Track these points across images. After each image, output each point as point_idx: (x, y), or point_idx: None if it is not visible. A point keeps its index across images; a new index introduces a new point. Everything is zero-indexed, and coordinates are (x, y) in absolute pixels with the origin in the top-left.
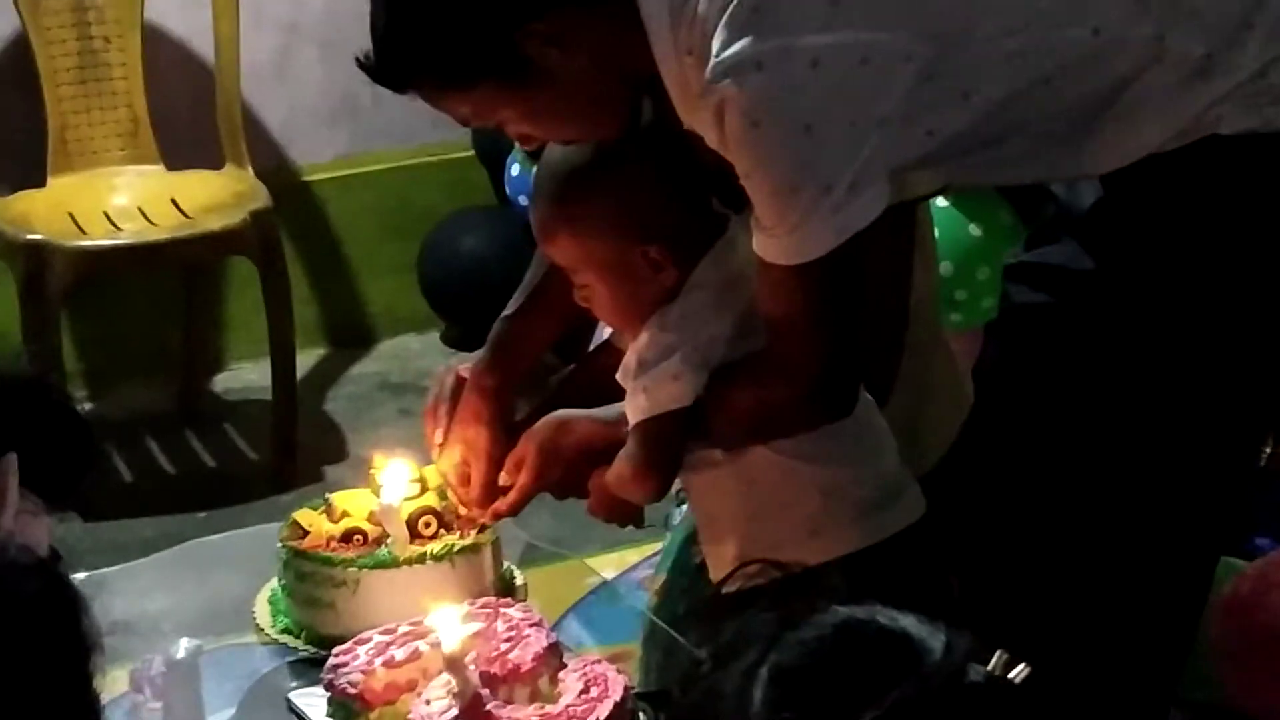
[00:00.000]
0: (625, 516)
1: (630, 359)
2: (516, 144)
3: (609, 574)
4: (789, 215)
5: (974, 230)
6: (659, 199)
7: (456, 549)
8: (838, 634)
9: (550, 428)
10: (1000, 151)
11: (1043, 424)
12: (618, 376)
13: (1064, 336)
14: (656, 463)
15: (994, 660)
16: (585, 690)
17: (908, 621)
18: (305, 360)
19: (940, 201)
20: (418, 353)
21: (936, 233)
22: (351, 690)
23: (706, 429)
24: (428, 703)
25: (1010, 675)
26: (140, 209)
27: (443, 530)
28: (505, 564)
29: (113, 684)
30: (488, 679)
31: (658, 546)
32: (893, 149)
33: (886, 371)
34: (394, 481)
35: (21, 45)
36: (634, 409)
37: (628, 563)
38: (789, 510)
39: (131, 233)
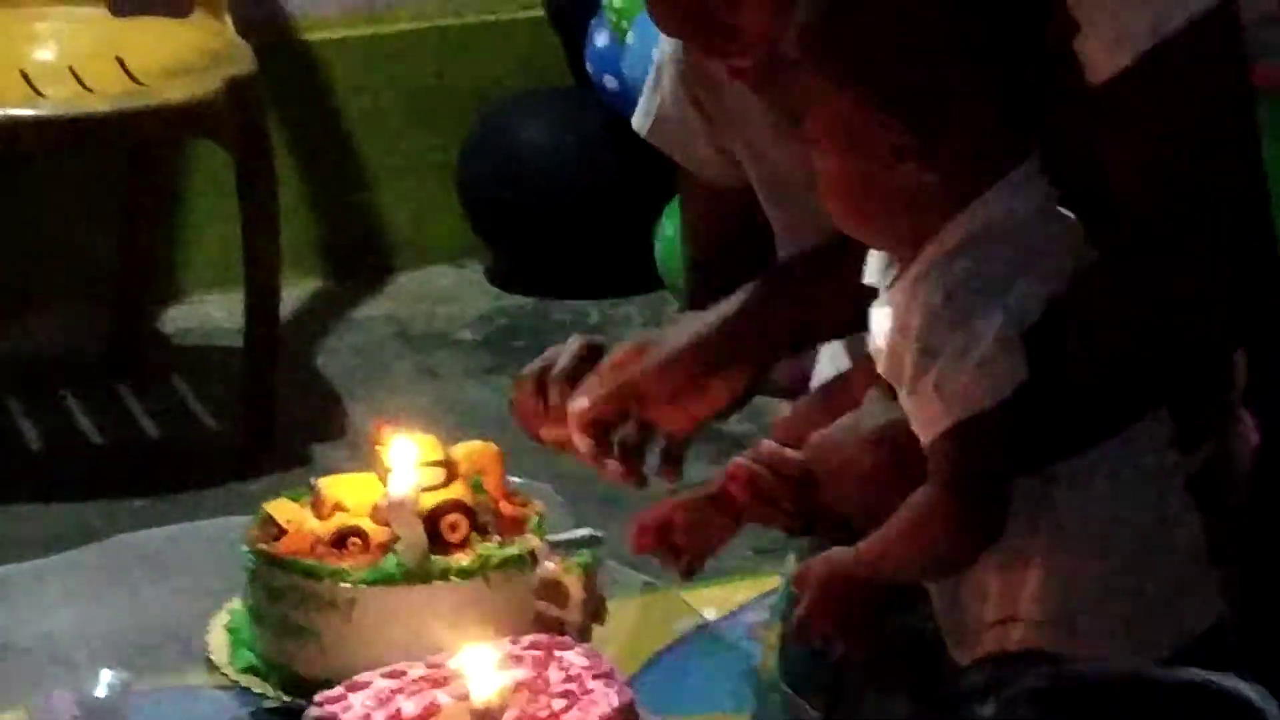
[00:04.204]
0: (854, 627)
1: (898, 344)
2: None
3: (710, 614)
4: None
5: None
6: (948, 59)
7: (495, 562)
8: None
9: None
10: None
11: None
12: (881, 370)
13: None
14: (971, 498)
15: None
16: None
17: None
18: (293, 294)
19: None
20: (450, 292)
21: None
22: None
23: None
24: None
25: None
26: (71, 68)
27: (475, 534)
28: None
29: None
30: None
31: (776, 581)
32: None
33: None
34: (408, 464)
35: None
36: (925, 420)
37: (735, 601)
38: (1091, 589)
39: (58, 100)
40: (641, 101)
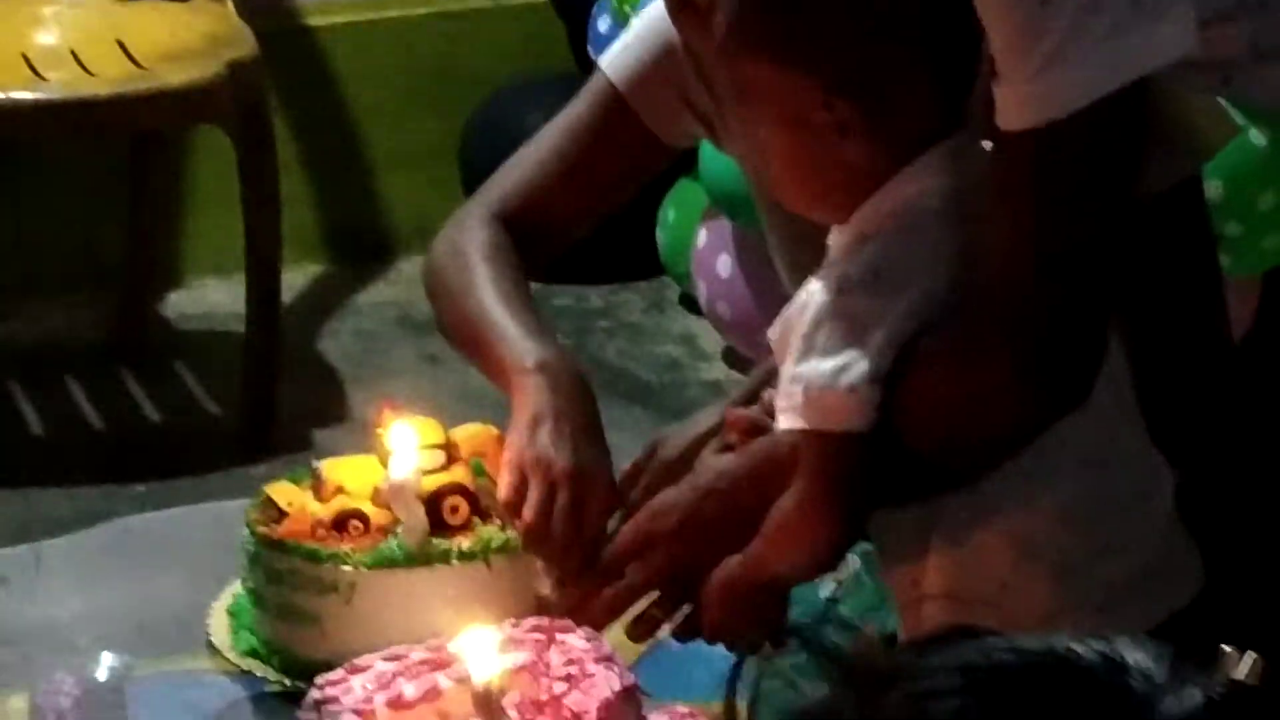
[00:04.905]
0: (749, 624)
1: (793, 315)
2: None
3: None
4: (1036, 45)
5: (1256, 138)
6: (885, 36)
7: (496, 545)
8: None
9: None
10: None
11: None
12: (770, 336)
13: None
14: (835, 494)
15: (1225, 661)
16: None
17: (1083, 646)
18: (294, 279)
19: None
20: None
21: None
22: None
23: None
24: None
25: (1244, 676)
26: (73, 52)
27: (476, 518)
28: None
29: (7, 717)
30: None
31: None
32: None
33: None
34: (409, 447)
35: None
36: (786, 410)
37: None
38: (1013, 595)
39: (59, 84)
40: (620, 47)
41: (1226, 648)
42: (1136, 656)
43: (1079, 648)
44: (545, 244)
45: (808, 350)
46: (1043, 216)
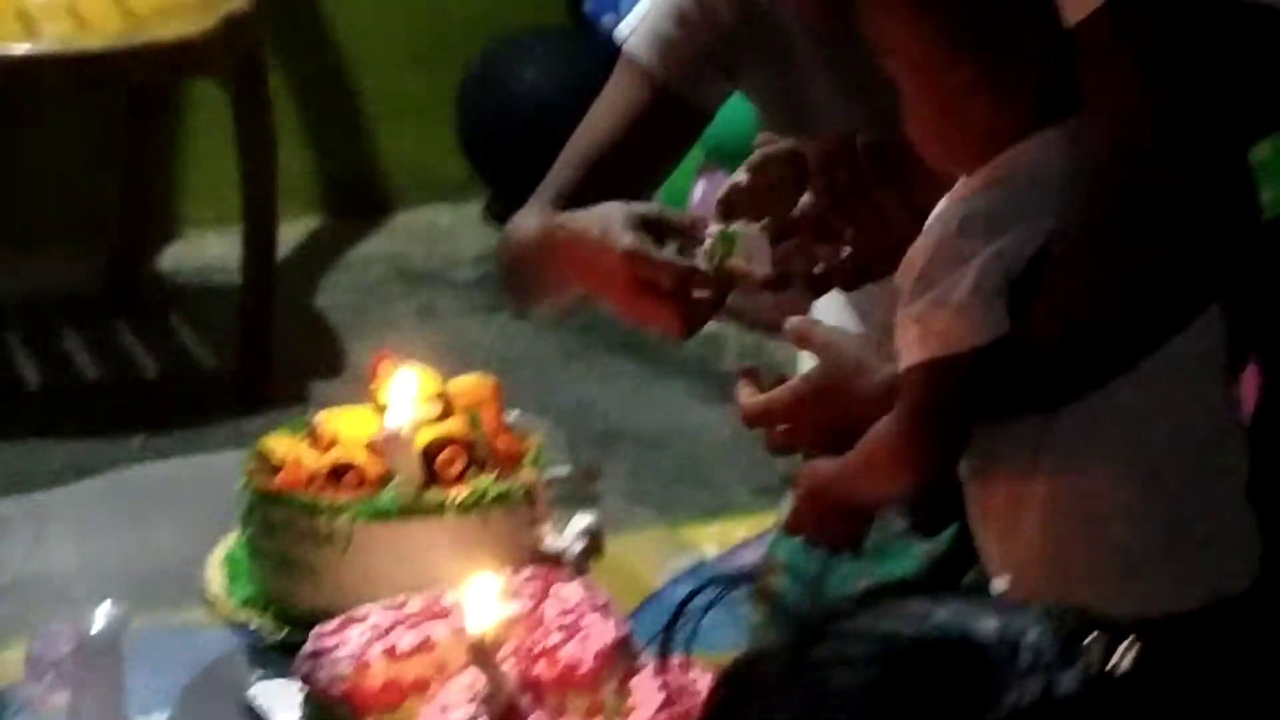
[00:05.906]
0: (837, 531)
1: (913, 256)
2: None
3: (710, 551)
4: None
5: None
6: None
7: (492, 496)
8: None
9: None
10: None
11: None
12: (896, 279)
13: None
14: (928, 432)
15: (1090, 647)
16: (668, 704)
17: (950, 617)
18: (291, 232)
19: None
20: (448, 231)
21: None
22: (337, 688)
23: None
24: (444, 710)
25: (1116, 663)
26: (70, 5)
27: (473, 469)
28: None
29: (4, 667)
30: (530, 682)
31: (774, 519)
32: None
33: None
34: (406, 397)
35: None
36: (903, 345)
37: (734, 538)
38: (1093, 530)
39: (55, 37)
40: (638, 22)
41: (1092, 634)
42: (1034, 636)
43: (987, 625)
44: None
45: (922, 288)
46: (1128, 78)
